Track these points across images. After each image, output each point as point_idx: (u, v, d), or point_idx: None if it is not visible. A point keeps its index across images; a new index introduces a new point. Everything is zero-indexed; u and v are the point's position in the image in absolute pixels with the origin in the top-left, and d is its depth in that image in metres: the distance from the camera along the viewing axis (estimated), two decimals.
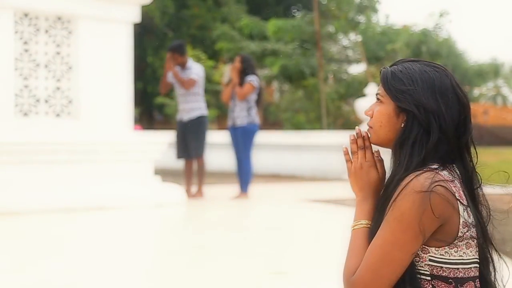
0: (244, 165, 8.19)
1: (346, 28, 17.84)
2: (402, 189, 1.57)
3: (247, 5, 20.61)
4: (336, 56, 18.62)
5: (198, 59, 20.39)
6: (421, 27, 18.44)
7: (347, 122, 16.97)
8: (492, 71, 26.36)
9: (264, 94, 21.60)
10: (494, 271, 1.68)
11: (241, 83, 8.13)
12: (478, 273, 1.64)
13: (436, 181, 1.56)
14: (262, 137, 15.21)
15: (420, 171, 1.59)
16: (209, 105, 21.01)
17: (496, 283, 1.68)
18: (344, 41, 19.63)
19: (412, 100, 1.63)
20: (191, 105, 8.24)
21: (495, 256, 1.68)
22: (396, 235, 1.56)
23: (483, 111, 29.15)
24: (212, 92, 20.60)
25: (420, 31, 18.18)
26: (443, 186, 1.56)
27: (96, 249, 4.92)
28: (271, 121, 21.20)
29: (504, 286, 1.72)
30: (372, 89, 12.07)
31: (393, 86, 1.66)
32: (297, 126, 17.41)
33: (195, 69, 8.35)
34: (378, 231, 1.60)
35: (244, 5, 20.54)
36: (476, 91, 28.81)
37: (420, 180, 1.56)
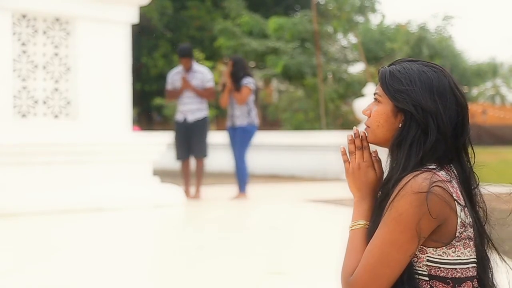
0: (239, 165, 8.18)
1: (346, 27, 17.81)
2: (400, 189, 1.57)
3: (246, 1, 20.43)
4: (336, 55, 18.60)
5: (196, 60, 20.34)
6: (418, 24, 18.40)
7: (346, 122, 16.96)
8: (490, 71, 26.38)
9: (260, 93, 21.52)
10: (491, 271, 1.68)
11: (238, 86, 8.11)
12: (476, 273, 1.64)
13: (434, 182, 1.56)
14: (261, 137, 15.20)
15: (418, 172, 1.59)
16: (207, 105, 20.91)
17: (493, 283, 1.68)
18: (344, 41, 19.60)
19: (410, 100, 1.63)
20: (197, 106, 8.25)
21: (492, 256, 1.68)
22: (394, 235, 1.56)
23: (482, 110, 29.17)
24: None
25: (418, 29, 18.12)
26: (440, 186, 1.56)
27: (95, 250, 4.91)
28: (270, 121, 21.20)
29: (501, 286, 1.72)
30: (371, 89, 12.08)
31: (391, 86, 1.66)
32: (296, 126, 17.40)
33: (205, 74, 8.32)
34: (376, 231, 1.60)
35: (243, 0, 20.34)
36: (474, 91, 28.82)
37: (418, 181, 1.56)
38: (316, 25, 16.86)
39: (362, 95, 12.95)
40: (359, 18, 18.86)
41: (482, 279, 1.65)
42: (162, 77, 21.94)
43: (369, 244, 1.60)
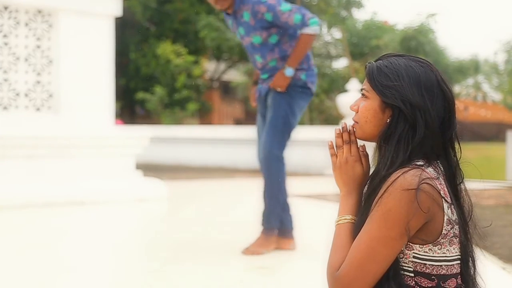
0: None
1: (331, 23, 17.80)
2: (389, 186, 1.56)
3: None
4: (320, 51, 18.59)
5: (178, 54, 20.25)
6: (411, 25, 18.43)
7: (330, 117, 16.99)
8: (472, 68, 26.52)
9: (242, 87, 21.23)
10: (474, 267, 1.68)
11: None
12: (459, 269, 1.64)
13: (423, 179, 1.55)
14: (244, 131, 15.20)
15: (407, 168, 1.58)
16: (189, 100, 20.81)
17: (476, 279, 1.68)
18: (328, 37, 19.60)
19: (398, 96, 1.62)
20: None
21: (475, 252, 1.69)
22: (382, 231, 1.55)
23: (464, 107, 29.39)
24: (193, 87, 20.45)
25: (414, 29, 18.13)
26: (429, 184, 1.56)
27: (77, 244, 4.88)
28: (253, 115, 21.15)
29: (484, 282, 1.72)
30: (354, 85, 12.10)
31: (379, 81, 1.65)
32: None
33: None
34: (364, 227, 1.59)
35: None
36: (456, 87, 28.99)
37: (407, 178, 1.55)
38: None
39: (345, 91, 12.98)
40: (345, 14, 18.86)
41: (465, 275, 1.65)
42: (153, 78, 21.77)
43: (356, 239, 1.60)
